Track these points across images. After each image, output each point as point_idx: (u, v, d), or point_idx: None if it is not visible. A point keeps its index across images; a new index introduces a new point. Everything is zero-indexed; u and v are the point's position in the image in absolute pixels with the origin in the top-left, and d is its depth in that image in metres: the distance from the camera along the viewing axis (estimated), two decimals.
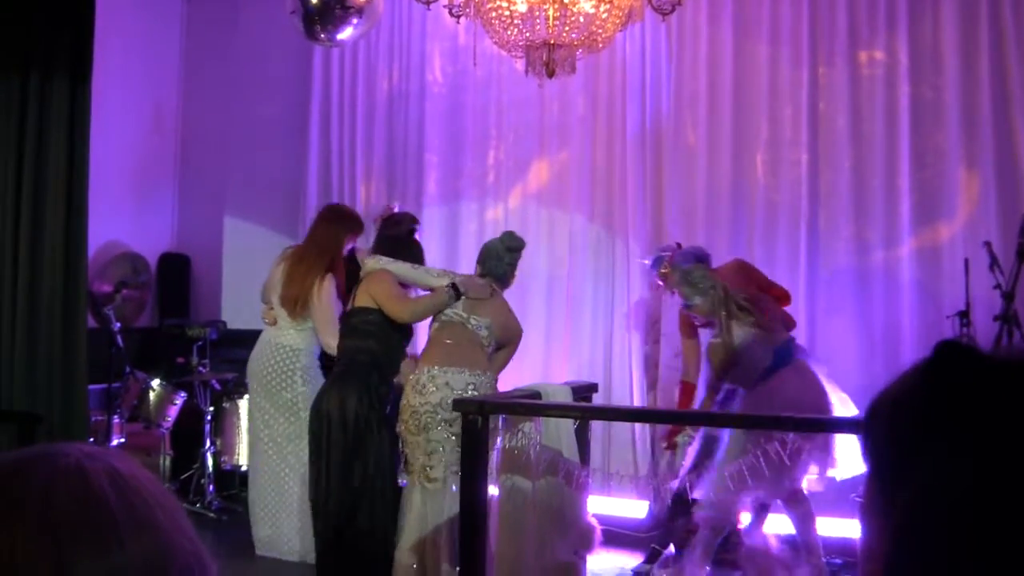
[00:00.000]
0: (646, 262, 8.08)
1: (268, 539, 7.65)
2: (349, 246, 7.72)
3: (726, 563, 7.40)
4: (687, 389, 7.55)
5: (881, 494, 1.26)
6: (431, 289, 6.39)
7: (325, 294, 7.48)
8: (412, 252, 6.67)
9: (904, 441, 1.22)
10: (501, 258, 6.36)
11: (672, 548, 7.56)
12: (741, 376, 6.95)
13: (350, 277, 7.54)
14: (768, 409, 6.73)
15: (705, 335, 7.41)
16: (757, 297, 7.09)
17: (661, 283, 7.86)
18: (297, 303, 7.51)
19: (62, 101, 7.34)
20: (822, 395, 6.81)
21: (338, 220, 7.74)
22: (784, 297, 7.33)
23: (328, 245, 7.59)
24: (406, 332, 6.63)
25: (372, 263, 6.48)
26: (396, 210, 8.18)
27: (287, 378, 7.56)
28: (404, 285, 6.47)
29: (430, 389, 5.85)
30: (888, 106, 8.11)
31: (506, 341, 6.37)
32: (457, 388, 5.85)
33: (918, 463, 1.19)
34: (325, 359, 7.64)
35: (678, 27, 8.70)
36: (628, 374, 8.73)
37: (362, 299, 6.37)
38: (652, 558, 7.57)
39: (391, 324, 6.41)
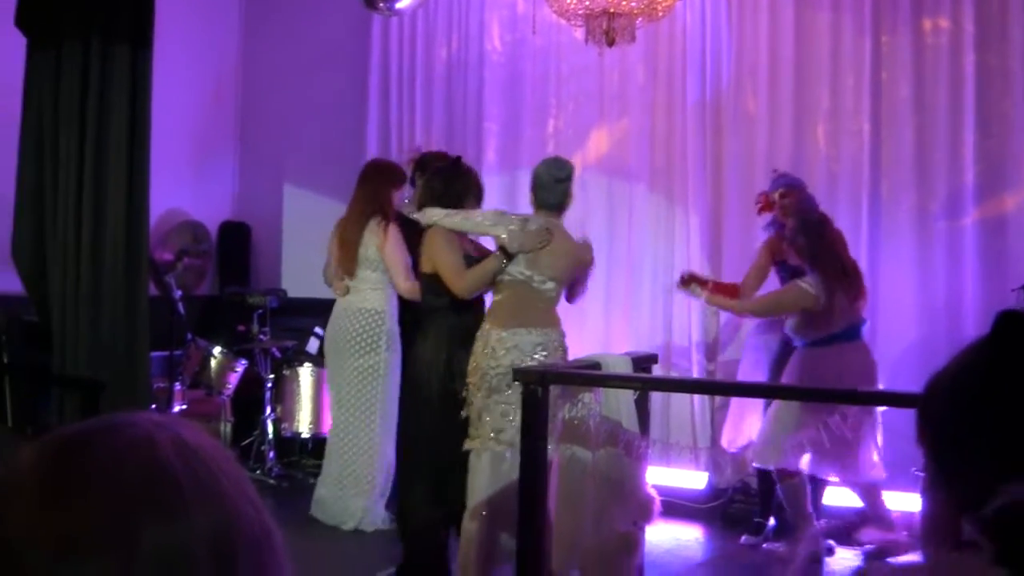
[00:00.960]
0: (775, 171, 7.92)
1: (323, 500, 7.73)
2: (398, 199, 7.74)
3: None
4: (731, 288, 7.56)
5: (941, 469, 1.25)
6: (487, 236, 6.27)
7: (391, 242, 7.50)
8: (466, 182, 6.47)
9: (965, 414, 1.20)
10: (551, 188, 6.14)
11: (773, 520, 7.56)
12: (810, 330, 6.95)
13: (406, 236, 7.56)
14: (821, 373, 6.76)
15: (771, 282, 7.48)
16: (854, 265, 7.11)
17: (774, 199, 7.71)
18: (353, 261, 7.57)
19: (123, 68, 7.36)
20: (873, 383, 6.84)
21: (377, 175, 7.78)
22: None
23: (372, 202, 7.64)
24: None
25: (427, 216, 6.26)
26: (423, 151, 8.18)
27: (373, 342, 7.60)
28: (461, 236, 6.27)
29: (499, 352, 5.77)
30: (952, 74, 8.01)
31: (579, 276, 6.26)
32: (526, 350, 5.77)
33: (980, 435, 1.18)
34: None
35: None
36: (688, 345, 8.71)
37: (426, 265, 6.27)
38: (758, 530, 7.56)
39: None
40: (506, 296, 6.01)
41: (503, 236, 5.99)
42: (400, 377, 7.24)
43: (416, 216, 6.40)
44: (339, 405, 7.74)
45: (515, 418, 5.45)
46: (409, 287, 7.38)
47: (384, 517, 7.63)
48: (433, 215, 6.19)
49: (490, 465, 5.71)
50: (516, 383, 5.34)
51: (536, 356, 5.75)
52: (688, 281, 7.54)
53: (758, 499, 7.74)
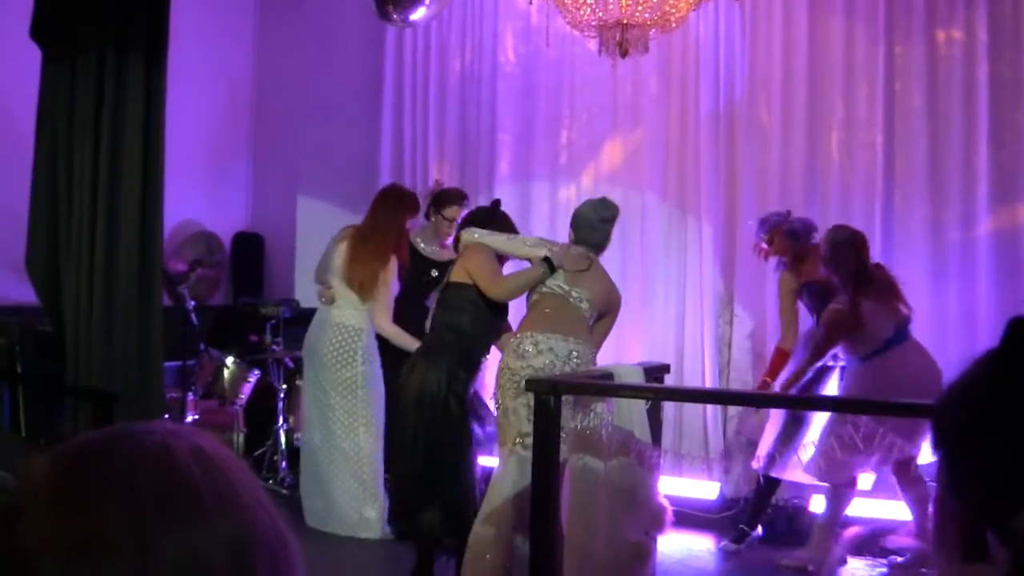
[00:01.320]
0: (751, 223, 7.97)
1: (322, 511, 7.78)
2: (409, 227, 7.84)
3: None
4: (781, 355, 7.55)
5: (954, 481, 1.25)
6: (527, 259, 6.26)
7: (388, 276, 7.61)
8: (501, 224, 6.55)
9: (978, 426, 1.20)
10: (595, 228, 6.19)
11: (760, 530, 7.58)
12: (860, 346, 6.96)
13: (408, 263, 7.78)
14: (885, 383, 6.76)
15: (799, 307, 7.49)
16: (883, 269, 7.11)
17: (764, 247, 7.78)
18: (364, 285, 7.60)
19: (138, 79, 7.38)
20: (940, 374, 6.82)
21: (399, 201, 7.82)
22: None
23: (392, 227, 7.70)
24: (500, 310, 6.46)
25: (467, 236, 6.32)
26: (445, 186, 8.29)
27: (348, 357, 7.69)
28: (500, 258, 6.36)
29: (532, 353, 5.77)
30: (966, 85, 8.00)
31: (606, 311, 6.25)
32: (561, 355, 5.79)
33: (993, 447, 1.17)
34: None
35: (752, 6, 8.65)
36: (700, 355, 8.70)
37: (458, 274, 6.24)
38: (740, 539, 7.57)
39: (486, 301, 6.24)
40: (543, 305, 6.06)
41: (552, 250, 6.10)
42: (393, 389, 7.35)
43: (462, 234, 6.44)
44: (316, 414, 7.85)
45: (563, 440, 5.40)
46: (387, 330, 7.64)
47: (385, 526, 7.71)
48: (475, 233, 6.29)
49: (516, 470, 5.69)
50: (606, 400, 5.35)
51: (572, 362, 5.78)
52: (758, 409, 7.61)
53: (749, 507, 7.75)
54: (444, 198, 8.04)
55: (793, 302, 7.64)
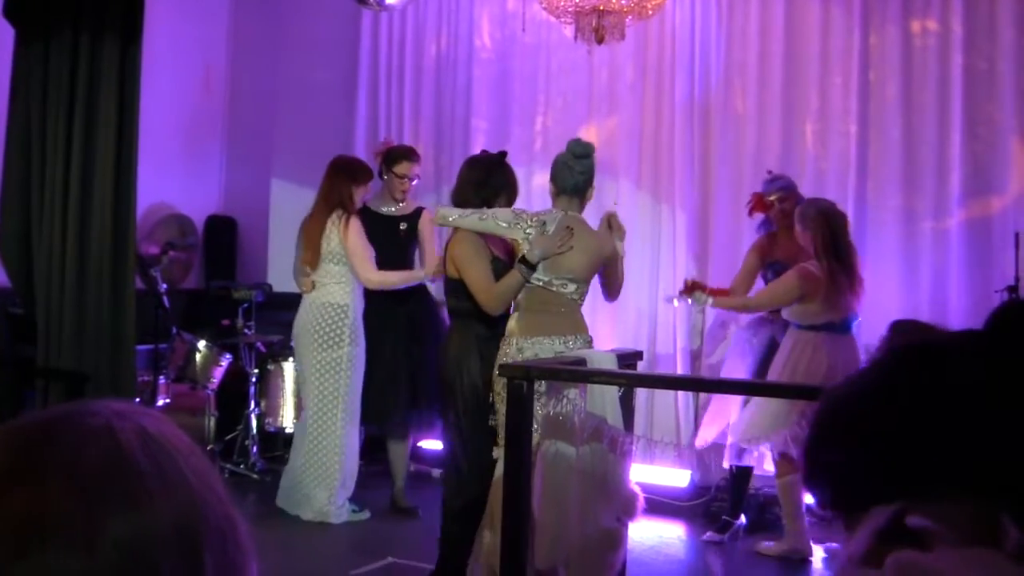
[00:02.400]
0: (770, 172, 7.91)
1: (284, 489, 7.83)
2: (363, 195, 7.83)
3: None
4: (722, 293, 7.57)
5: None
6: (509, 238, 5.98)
7: (352, 234, 7.61)
8: (507, 178, 6.33)
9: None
10: (572, 168, 5.93)
11: (743, 519, 7.60)
12: (806, 314, 6.98)
13: (369, 231, 7.75)
14: (811, 356, 6.81)
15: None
16: (855, 253, 7.11)
17: (766, 200, 7.72)
18: (316, 255, 7.70)
19: (112, 62, 7.34)
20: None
21: (339, 171, 7.83)
22: None
23: (335, 197, 7.71)
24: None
25: (442, 213, 6.08)
26: (394, 143, 8.29)
27: (336, 337, 7.65)
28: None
29: (517, 357, 5.68)
30: (940, 76, 8.04)
31: (604, 264, 6.06)
32: (545, 356, 5.64)
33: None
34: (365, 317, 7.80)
35: None
36: (673, 342, 8.72)
37: (450, 269, 6.12)
38: (723, 528, 7.58)
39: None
40: (526, 302, 5.88)
41: (522, 244, 5.83)
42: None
43: (439, 210, 6.22)
44: (306, 398, 7.84)
45: (537, 427, 5.31)
46: (376, 279, 7.61)
47: (349, 509, 7.74)
48: (448, 215, 6.05)
49: None
50: (579, 386, 5.28)
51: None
52: (691, 288, 7.53)
53: (728, 497, 7.78)
54: (394, 155, 8.07)
55: (757, 266, 7.65)
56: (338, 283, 7.69)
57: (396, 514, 7.91)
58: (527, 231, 5.82)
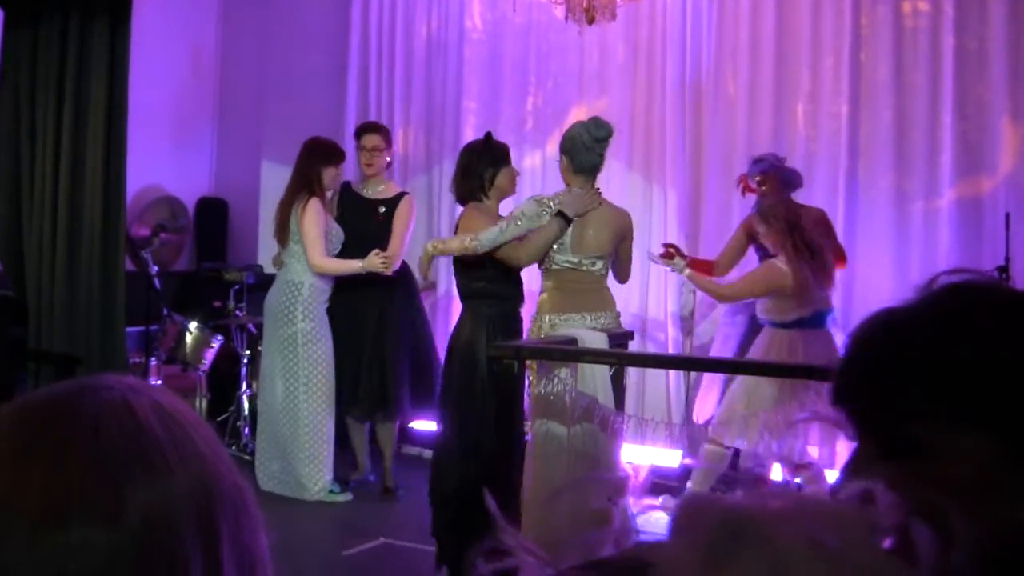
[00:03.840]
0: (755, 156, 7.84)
1: (277, 473, 7.82)
2: (333, 177, 7.84)
3: None
4: (707, 265, 7.57)
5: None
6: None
7: (307, 216, 7.61)
8: (496, 159, 6.47)
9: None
10: (591, 149, 6.05)
11: None
12: (775, 312, 6.97)
13: (348, 212, 7.87)
14: (785, 357, 6.79)
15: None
16: (823, 247, 7.06)
17: (752, 185, 7.70)
18: (284, 233, 7.77)
19: (102, 43, 7.34)
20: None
21: (312, 152, 7.87)
22: (841, 258, 7.34)
23: (304, 178, 7.76)
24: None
25: (479, 243, 6.07)
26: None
27: (289, 313, 7.72)
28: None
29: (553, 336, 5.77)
30: (931, 56, 8.03)
31: (621, 239, 6.25)
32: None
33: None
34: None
35: None
36: (664, 323, 8.73)
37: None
38: None
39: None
40: (556, 283, 6.05)
41: (559, 203, 6.00)
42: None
43: (471, 244, 6.17)
44: (264, 375, 7.92)
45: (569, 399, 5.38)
46: (318, 263, 7.63)
47: (332, 486, 7.77)
48: (484, 240, 6.07)
49: (536, 451, 5.59)
50: (570, 365, 5.31)
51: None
52: (671, 255, 7.52)
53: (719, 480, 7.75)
54: (360, 128, 8.14)
55: (745, 242, 7.65)
56: (297, 261, 7.74)
57: (384, 495, 7.90)
58: (556, 200, 6.05)
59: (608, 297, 6.12)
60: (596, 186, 6.17)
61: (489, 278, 6.25)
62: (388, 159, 7.94)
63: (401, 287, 7.91)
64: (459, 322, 6.38)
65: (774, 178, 7.51)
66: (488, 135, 6.70)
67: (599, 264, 6.06)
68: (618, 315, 6.13)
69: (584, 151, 6.06)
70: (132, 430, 1.07)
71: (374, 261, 7.44)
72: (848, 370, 1.31)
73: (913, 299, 1.31)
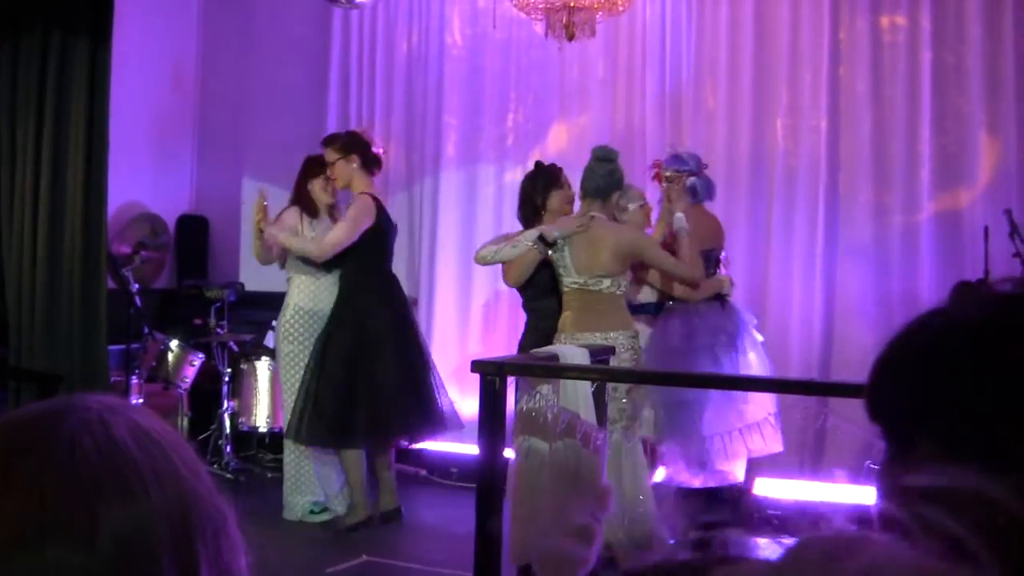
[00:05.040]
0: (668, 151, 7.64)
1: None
2: (322, 187, 7.75)
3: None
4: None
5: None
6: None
7: (285, 219, 7.63)
8: (553, 181, 6.77)
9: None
10: (594, 171, 6.38)
11: None
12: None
13: None
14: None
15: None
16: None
17: (663, 176, 7.35)
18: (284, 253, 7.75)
19: (82, 60, 7.33)
20: None
21: (302, 168, 7.89)
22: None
23: (296, 193, 7.81)
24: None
25: (480, 257, 6.81)
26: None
27: (278, 333, 7.73)
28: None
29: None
30: (909, 71, 8.07)
31: (635, 255, 6.43)
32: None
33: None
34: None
35: None
36: (645, 337, 8.72)
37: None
38: None
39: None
40: (572, 302, 6.34)
41: (543, 230, 6.39)
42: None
43: (477, 260, 6.88)
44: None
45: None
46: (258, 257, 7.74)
47: (312, 506, 7.69)
48: (487, 255, 6.67)
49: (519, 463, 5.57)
50: (551, 381, 5.37)
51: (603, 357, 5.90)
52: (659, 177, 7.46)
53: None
54: (328, 140, 7.93)
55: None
56: (289, 281, 7.75)
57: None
58: (543, 228, 6.51)
59: (622, 316, 6.36)
60: (601, 214, 6.42)
61: (534, 296, 6.76)
62: (354, 164, 7.68)
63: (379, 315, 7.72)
64: (523, 333, 6.89)
65: (681, 185, 7.27)
66: (537, 163, 7.12)
67: (606, 283, 6.28)
68: (635, 333, 6.39)
69: (588, 173, 6.45)
70: (108, 451, 1.07)
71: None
72: (902, 374, 1.27)
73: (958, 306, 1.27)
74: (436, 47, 9.68)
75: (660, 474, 6.93)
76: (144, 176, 10.15)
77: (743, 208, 8.42)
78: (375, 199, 7.58)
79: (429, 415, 7.53)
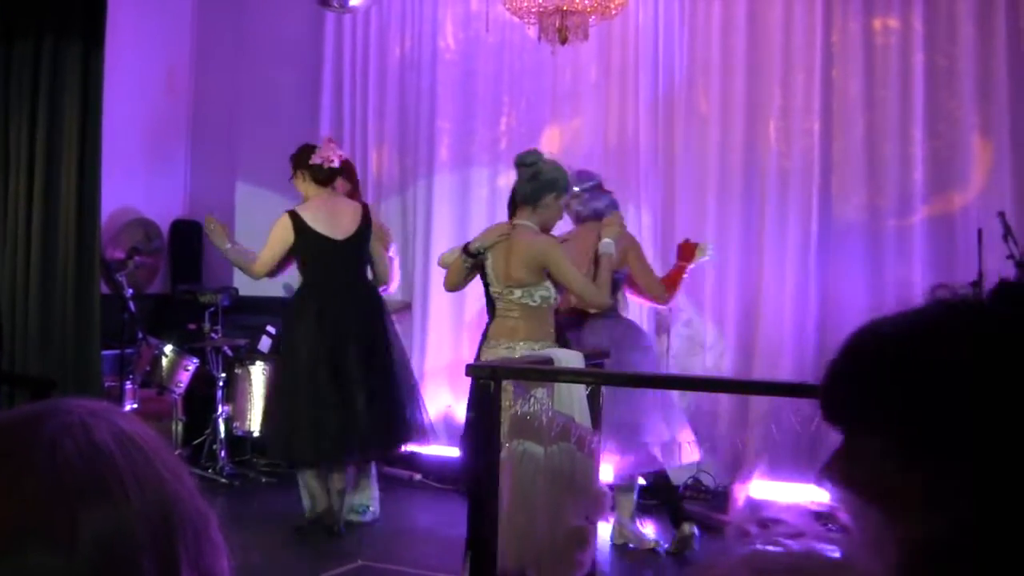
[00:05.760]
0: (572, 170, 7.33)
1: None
2: (308, 188, 7.66)
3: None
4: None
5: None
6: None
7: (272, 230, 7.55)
8: (548, 178, 6.45)
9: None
10: (520, 178, 6.35)
11: (695, 529, 7.31)
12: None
13: None
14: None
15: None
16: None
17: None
18: None
19: (75, 65, 7.33)
20: None
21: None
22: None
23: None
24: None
25: (444, 260, 6.90)
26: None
27: None
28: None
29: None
30: (902, 74, 8.08)
31: (545, 266, 6.22)
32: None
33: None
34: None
35: None
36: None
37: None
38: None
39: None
40: (494, 311, 6.33)
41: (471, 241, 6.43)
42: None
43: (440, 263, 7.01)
44: None
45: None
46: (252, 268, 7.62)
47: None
48: (448, 258, 6.78)
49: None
50: (546, 385, 5.39)
51: None
52: (691, 249, 7.50)
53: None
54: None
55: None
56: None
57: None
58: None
59: (538, 326, 6.20)
60: (528, 222, 6.31)
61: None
62: (303, 179, 7.65)
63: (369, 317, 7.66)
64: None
65: (569, 205, 7.16)
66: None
67: (518, 293, 6.18)
68: (548, 345, 6.11)
69: (516, 183, 6.43)
70: (89, 455, 1.07)
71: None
72: (847, 377, 1.34)
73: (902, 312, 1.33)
74: (429, 51, 9.68)
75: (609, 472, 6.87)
76: (137, 181, 10.14)
77: (736, 210, 8.42)
78: (355, 201, 7.73)
79: (390, 430, 7.45)
